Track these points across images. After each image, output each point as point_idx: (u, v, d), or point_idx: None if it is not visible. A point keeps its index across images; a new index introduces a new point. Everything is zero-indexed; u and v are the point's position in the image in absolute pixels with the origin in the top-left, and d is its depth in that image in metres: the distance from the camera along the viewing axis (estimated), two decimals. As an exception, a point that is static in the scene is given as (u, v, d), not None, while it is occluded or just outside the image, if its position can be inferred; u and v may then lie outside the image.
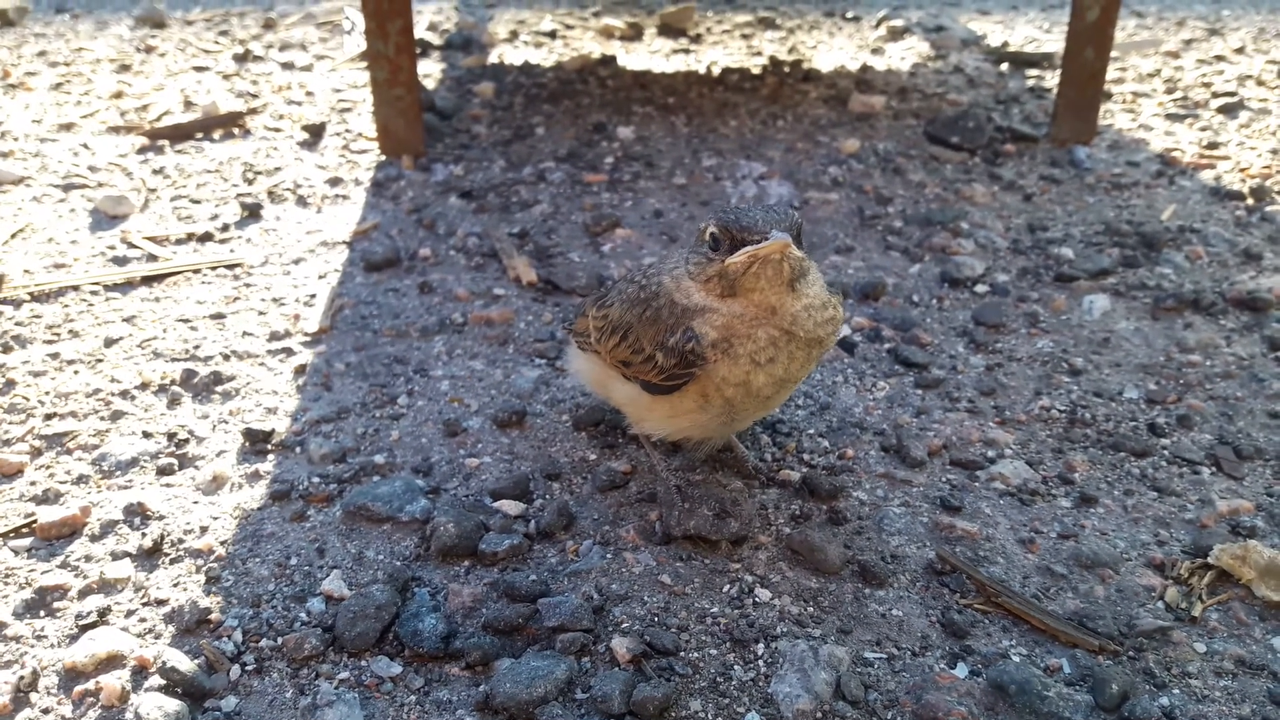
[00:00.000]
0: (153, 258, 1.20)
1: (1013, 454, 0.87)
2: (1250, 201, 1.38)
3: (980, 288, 1.15)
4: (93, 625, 0.68)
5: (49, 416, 0.90)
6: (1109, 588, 0.73)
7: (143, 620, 0.69)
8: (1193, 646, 0.68)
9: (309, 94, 1.83)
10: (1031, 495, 0.82)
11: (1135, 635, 0.68)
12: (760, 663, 0.66)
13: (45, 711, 0.62)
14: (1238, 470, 0.85)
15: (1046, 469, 0.85)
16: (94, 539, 0.76)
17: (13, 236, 1.26)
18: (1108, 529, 0.79)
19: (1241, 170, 1.49)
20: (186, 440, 0.87)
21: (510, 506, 0.79)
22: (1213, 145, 1.60)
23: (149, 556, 0.74)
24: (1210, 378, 0.98)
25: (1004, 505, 0.81)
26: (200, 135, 1.62)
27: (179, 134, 1.61)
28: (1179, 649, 0.67)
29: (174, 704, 0.61)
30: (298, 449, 0.86)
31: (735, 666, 0.65)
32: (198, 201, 1.37)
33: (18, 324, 1.05)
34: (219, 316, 1.07)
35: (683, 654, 0.66)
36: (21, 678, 0.63)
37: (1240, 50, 2.18)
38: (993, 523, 0.79)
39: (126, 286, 1.14)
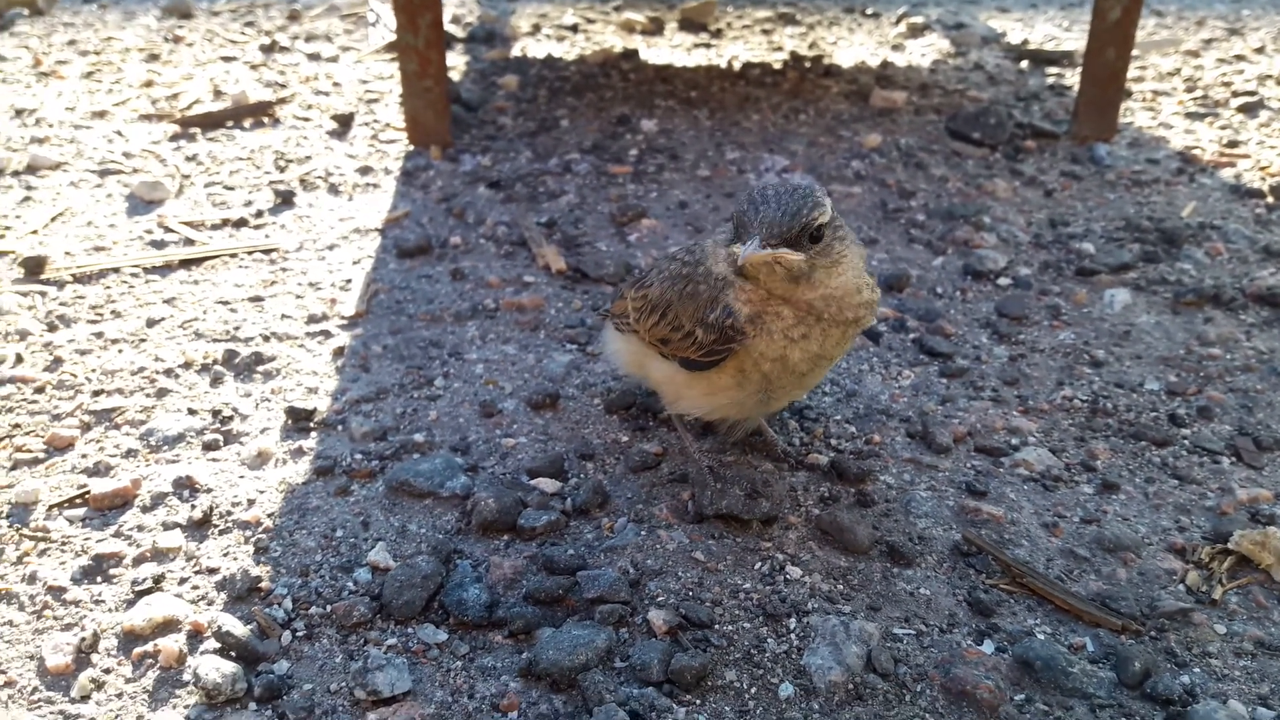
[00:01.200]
0: (189, 242, 1.23)
1: (1036, 441, 0.89)
2: (1270, 200, 1.40)
3: (1003, 280, 1.16)
4: (148, 591, 0.70)
5: (96, 393, 0.93)
6: (1131, 571, 0.75)
7: (195, 588, 0.71)
8: (1213, 628, 0.70)
9: (336, 85, 1.86)
10: (1055, 481, 0.84)
11: (1157, 616, 0.70)
12: (793, 636, 0.68)
13: (106, 671, 0.64)
14: (1257, 460, 0.87)
15: (1069, 456, 0.87)
16: (145, 510, 0.78)
17: (53, 220, 1.28)
18: (1129, 514, 0.81)
19: (1262, 169, 1.51)
20: (231, 417, 0.90)
21: (547, 484, 0.81)
22: (1233, 144, 1.61)
23: (199, 527, 0.77)
24: (1230, 371, 1.00)
25: (1028, 490, 0.83)
26: (231, 124, 1.64)
27: (210, 122, 1.64)
28: (1200, 630, 0.69)
29: (230, 666, 0.63)
30: (339, 427, 0.89)
31: (769, 639, 0.68)
32: (231, 188, 1.40)
33: (62, 304, 1.08)
34: (257, 299, 1.10)
35: (717, 626, 0.68)
36: (83, 639, 0.65)
37: (1260, 50, 2.19)
38: (1017, 507, 0.81)
39: (165, 269, 1.16)
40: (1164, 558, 0.76)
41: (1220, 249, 1.24)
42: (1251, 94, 1.84)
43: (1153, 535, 0.78)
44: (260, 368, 0.98)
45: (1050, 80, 1.95)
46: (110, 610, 0.69)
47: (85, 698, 0.63)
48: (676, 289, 0.77)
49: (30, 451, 0.85)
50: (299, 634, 0.67)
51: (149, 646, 0.65)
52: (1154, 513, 0.81)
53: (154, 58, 2.03)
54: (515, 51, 2.09)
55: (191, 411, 0.90)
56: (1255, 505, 0.82)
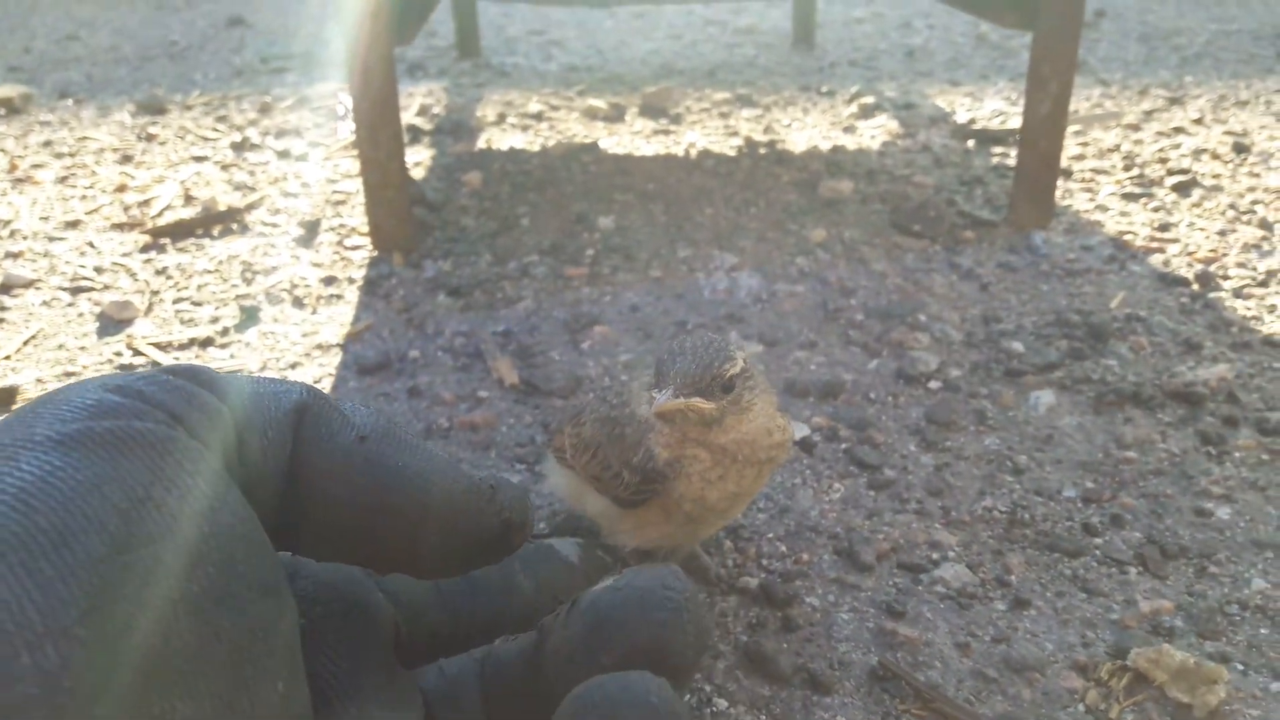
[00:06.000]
0: (157, 365, 1.28)
1: (955, 556, 0.94)
2: (1195, 287, 1.47)
3: (933, 384, 1.22)
4: None
5: (64, 533, 0.97)
6: (1035, 691, 0.80)
7: None
8: (1108, 748, 0.75)
9: (304, 185, 1.92)
10: (970, 599, 0.89)
11: (1057, 737, 0.75)
12: (714, 771, 0.72)
13: None
14: (1162, 569, 0.93)
15: (985, 571, 0.92)
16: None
17: (25, 344, 1.33)
18: (1038, 631, 0.86)
19: (1189, 254, 1.57)
20: (191, 556, 0.94)
21: (490, 619, 0.86)
22: (1164, 227, 1.68)
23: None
24: (1144, 475, 1.05)
25: (944, 609, 0.88)
26: (200, 232, 1.70)
27: (180, 231, 1.70)
28: (1095, 751, 0.74)
29: None
30: (294, 563, 0.93)
31: (691, 775, 0.72)
32: (199, 304, 1.45)
33: (32, 437, 1.12)
34: (220, 426, 1.15)
35: (644, 764, 0.73)
36: None
37: (1199, 120, 2.27)
38: (933, 627, 0.86)
39: (133, 395, 1.21)
40: (1067, 676, 0.81)
41: (1144, 343, 1.30)
42: (1185, 172, 1.92)
43: (1059, 653, 0.83)
44: (221, 501, 1.02)
45: (995, 160, 2.02)
46: None
47: None
48: (605, 431, 0.83)
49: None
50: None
51: None
52: (1062, 629, 0.86)
53: (127, 159, 2.10)
54: (480, 143, 2.16)
55: (154, 551, 0.95)
56: (1157, 618, 0.87)
